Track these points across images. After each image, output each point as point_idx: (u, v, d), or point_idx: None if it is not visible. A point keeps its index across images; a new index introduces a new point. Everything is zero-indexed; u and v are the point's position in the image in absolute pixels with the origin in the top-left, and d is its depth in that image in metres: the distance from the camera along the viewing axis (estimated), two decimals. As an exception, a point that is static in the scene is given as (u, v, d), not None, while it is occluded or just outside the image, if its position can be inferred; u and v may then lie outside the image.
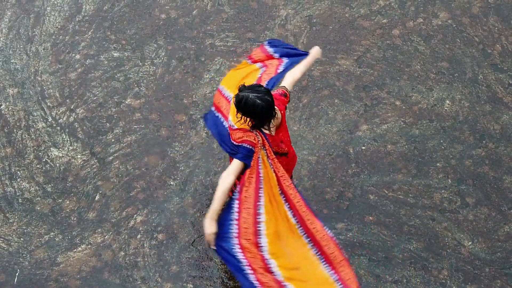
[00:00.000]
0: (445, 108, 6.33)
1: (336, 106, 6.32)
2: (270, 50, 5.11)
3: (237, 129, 4.71)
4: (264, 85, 4.82)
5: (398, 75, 6.48)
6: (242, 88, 4.60)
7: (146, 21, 6.75)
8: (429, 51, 6.60)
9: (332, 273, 4.62)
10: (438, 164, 6.07)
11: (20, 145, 6.16)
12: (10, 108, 6.33)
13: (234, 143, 4.72)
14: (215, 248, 4.59)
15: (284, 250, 4.60)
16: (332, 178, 6.00)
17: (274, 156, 4.73)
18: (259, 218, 4.58)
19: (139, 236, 5.78)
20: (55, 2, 6.84)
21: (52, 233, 5.80)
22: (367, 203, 5.90)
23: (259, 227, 4.57)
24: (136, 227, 5.81)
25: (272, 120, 4.71)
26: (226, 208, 4.62)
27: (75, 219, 5.86)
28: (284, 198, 4.72)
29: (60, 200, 5.92)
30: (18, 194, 5.95)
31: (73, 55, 6.58)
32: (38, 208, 5.90)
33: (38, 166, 6.06)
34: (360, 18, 6.77)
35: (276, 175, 4.68)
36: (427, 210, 5.88)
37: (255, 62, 5.13)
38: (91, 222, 5.84)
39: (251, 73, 5.05)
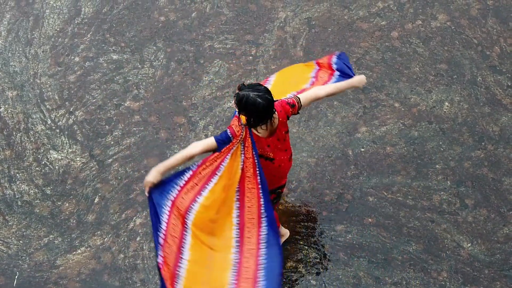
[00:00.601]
0: (444, 110, 6.34)
1: (335, 108, 6.33)
2: (333, 59, 5.22)
3: (236, 116, 4.73)
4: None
5: (397, 77, 6.49)
6: (242, 87, 4.62)
7: (145, 23, 6.75)
8: (428, 53, 6.61)
9: (233, 284, 4.51)
10: (437, 166, 6.07)
11: (19, 147, 6.16)
12: (9, 111, 6.33)
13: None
14: (147, 195, 4.58)
15: (206, 240, 4.54)
16: (331, 180, 6.00)
17: (251, 156, 4.69)
18: (198, 199, 4.56)
19: (138, 238, 5.78)
20: (54, 5, 6.84)
21: (51, 236, 5.80)
22: (366, 205, 5.90)
23: (193, 205, 4.55)
24: (136, 230, 5.81)
25: (267, 123, 4.72)
26: (178, 172, 4.60)
27: (74, 221, 5.86)
28: (238, 197, 4.66)
29: (59, 203, 5.92)
30: (17, 196, 5.95)
31: (72, 57, 6.58)
32: (37, 211, 5.90)
33: (37, 168, 6.06)
34: (359, 20, 6.77)
35: (243, 173, 4.66)
36: (427, 212, 5.88)
37: (318, 64, 5.25)
38: (91, 225, 5.84)
39: (301, 80, 5.16)
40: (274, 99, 4.78)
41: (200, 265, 4.51)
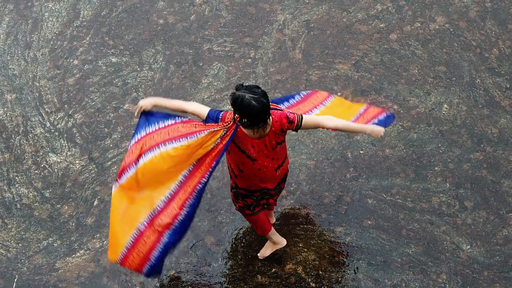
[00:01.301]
0: (443, 112, 6.34)
1: (334, 111, 6.33)
2: (381, 117, 5.25)
3: None
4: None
5: (395, 79, 6.49)
6: (239, 88, 4.60)
7: (144, 26, 6.75)
8: (427, 55, 6.61)
9: (144, 225, 4.86)
10: (436, 168, 6.07)
11: (18, 150, 6.16)
12: (8, 114, 6.33)
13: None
14: (135, 115, 4.91)
15: (142, 182, 4.84)
16: (331, 182, 6.00)
17: (223, 146, 4.76)
18: (161, 147, 4.79)
19: (137, 241, 5.78)
20: (53, 8, 6.85)
21: (50, 239, 5.80)
22: (366, 207, 5.90)
23: (154, 149, 4.79)
24: (135, 232, 5.81)
25: (259, 127, 4.70)
26: (166, 114, 4.87)
27: (73, 224, 5.85)
28: (190, 169, 4.83)
29: (58, 206, 5.92)
30: (16, 199, 5.95)
31: (71, 60, 6.58)
32: (37, 214, 5.90)
33: (36, 171, 6.06)
34: (357, 22, 6.78)
35: (209, 153, 4.77)
36: (426, 214, 5.88)
37: (368, 106, 5.29)
38: (90, 228, 5.84)
39: (350, 112, 5.17)
40: (279, 108, 4.77)
41: (125, 196, 4.85)
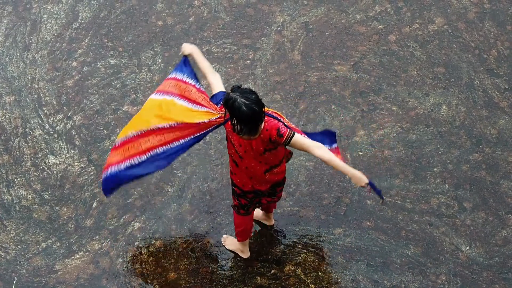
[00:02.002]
0: (442, 113, 6.34)
1: (333, 112, 6.33)
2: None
3: None
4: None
5: (394, 80, 6.50)
6: (235, 89, 4.57)
7: (143, 28, 6.76)
8: (425, 57, 6.62)
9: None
10: (435, 169, 6.07)
11: (17, 152, 6.16)
12: (7, 116, 6.33)
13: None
14: (182, 52, 5.21)
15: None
16: (330, 183, 6.00)
17: (205, 128, 4.89)
18: (177, 100, 5.04)
19: (136, 243, 5.78)
20: (52, 10, 6.85)
21: (49, 241, 5.79)
22: (365, 208, 5.90)
23: (174, 97, 5.06)
24: (134, 234, 5.81)
25: (247, 132, 4.66)
26: (194, 74, 5.14)
27: (72, 226, 5.85)
28: (172, 125, 5.01)
29: (57, 208, 5.92)
30: (15, 201, 5.94)
31: (70, 62, 6.58)
32: (36, 216, 5.89)
33: (35, 173, 6.06)
34: (356, 24, 6.78)
35: (189, 126, 4.93)
36: (425, 215, 5.88)
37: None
38: (89, 229, 5.84)
39: None
40: (278, 118, 4.74)
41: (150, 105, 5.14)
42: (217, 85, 4.96)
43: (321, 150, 4.74)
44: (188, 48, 5.14)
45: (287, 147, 4.88)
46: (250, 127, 4.61)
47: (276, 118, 4.77)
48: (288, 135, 4.72)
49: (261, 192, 5.12)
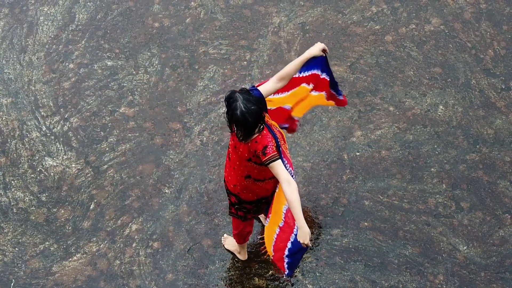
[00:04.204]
0: (439, 113, 6.35)
1: (330, 113, 6.34)
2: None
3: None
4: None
5: (391, 81, 6.50)
6: (241, 89, 4.56)
7: (140, 29, 6.75)
8: (422, 57, 6.62)
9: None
10: (432, 169, 6.08)
11: (14, 154, 6.15)
12: (4, 118, 6.32)
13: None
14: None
15: None
16: (327, 184, 6.01)
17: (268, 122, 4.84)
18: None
19: (134, 244, 5.77)
20: (48, 12, 6.84)
21: (47, 243, 5.79)
22: (362, 209, 5.90)
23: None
24: (131, 236, 5.80)
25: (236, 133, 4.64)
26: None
27: (70, 228, 5.85)
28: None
29: (54, 210, 5.91)
30: (12, 204, 5.94)
31: (67, 64, 6.58)
32: (33, 218, 5.89)
33: (32, 175, 6.05)
34: (353, 24, 6.79)
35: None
36: (422, 215, 5.89)
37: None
38: (86, 231, 5.83)
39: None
40: (276, 137, 4.70)
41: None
42: (290, 65, 5.04)
43: (290, 187, 4.57)
44: (318, 48, 5.07)
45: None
46: (240, 130, 4.60)
47: (274, 137, 4.70)
48: (270, 157, 4.61)
49: (247, 202, 5.06)
